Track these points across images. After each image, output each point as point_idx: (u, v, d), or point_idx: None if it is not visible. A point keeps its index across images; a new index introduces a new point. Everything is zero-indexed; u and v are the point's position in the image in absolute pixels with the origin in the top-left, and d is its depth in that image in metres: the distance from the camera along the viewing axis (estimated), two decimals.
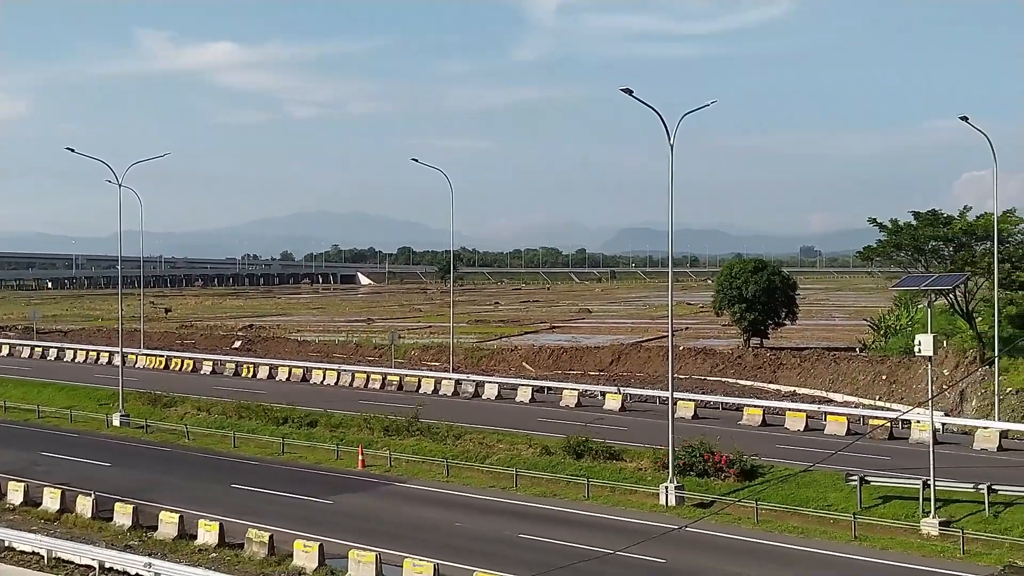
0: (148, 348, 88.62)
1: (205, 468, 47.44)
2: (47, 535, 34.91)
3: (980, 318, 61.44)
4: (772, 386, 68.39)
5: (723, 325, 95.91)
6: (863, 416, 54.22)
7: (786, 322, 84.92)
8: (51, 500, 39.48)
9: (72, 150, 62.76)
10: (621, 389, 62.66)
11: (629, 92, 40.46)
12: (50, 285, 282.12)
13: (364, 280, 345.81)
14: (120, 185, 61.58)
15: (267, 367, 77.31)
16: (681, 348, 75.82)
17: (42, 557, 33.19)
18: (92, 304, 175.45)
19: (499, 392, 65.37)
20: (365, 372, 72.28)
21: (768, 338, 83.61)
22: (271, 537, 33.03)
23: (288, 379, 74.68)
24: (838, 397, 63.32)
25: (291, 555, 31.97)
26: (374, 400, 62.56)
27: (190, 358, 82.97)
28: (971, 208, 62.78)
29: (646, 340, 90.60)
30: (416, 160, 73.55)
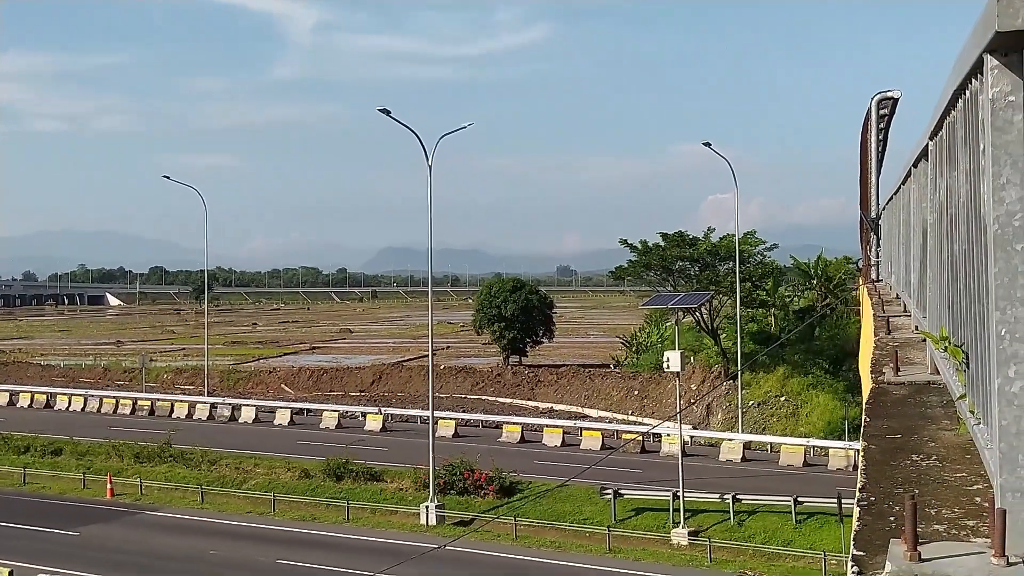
0: None
1: None
2: None
3: (724, 334, 64.43)
4: (531, 403, 69.64)
5: (483, 344, 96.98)
6: (617, 431, 55.85)
7: (544, 340, 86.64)
8: None
9: None
10: (382, 409, 62.47)
11: (387, 112, 40.52)
12: None
13: (113, 301, 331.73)
14: None
15: (7, 393, 73.06)
16: (442, 367, 76.22)
17: None
18: None
19: (257, 415, 63.95)
20: (114, 397, 69.35)
21: (527, 356, 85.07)
22: (11, 573, 31.14)
23: (31, 405, 70.81)
24: (593, 413, 65.03)
25: None
26: (124, 426, 60.08)
27: None
28: (715, 229, 65.87)
29: (407, 359, 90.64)
30: (168, 177, 71.35)
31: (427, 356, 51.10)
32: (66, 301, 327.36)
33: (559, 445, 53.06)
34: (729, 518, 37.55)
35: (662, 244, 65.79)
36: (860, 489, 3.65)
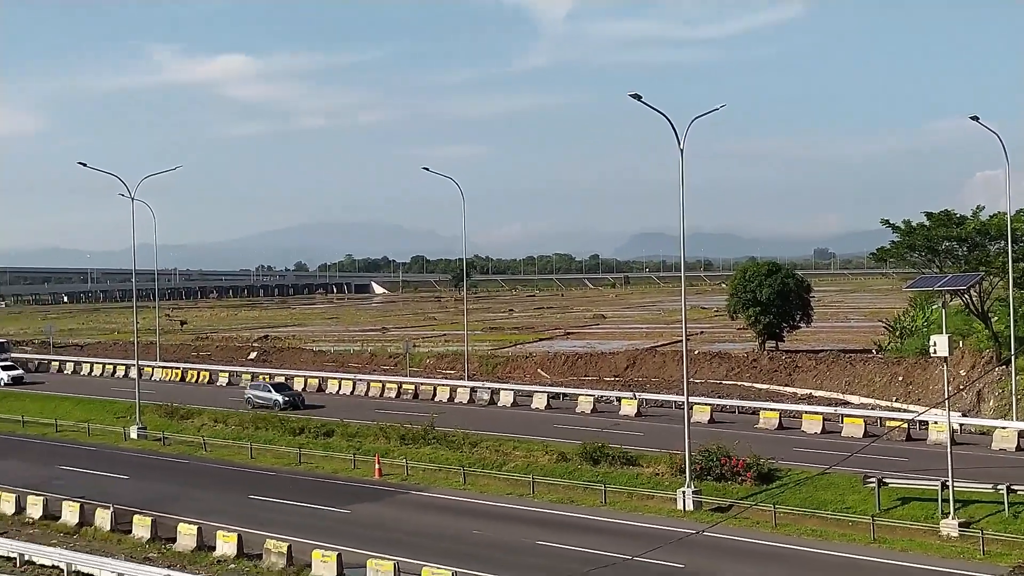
0: (164, 360, 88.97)
1: (222, 479, 47.57)
2: (67, 548, 35.05)
3: (996, 318, 61.18)
4: (788, 389, 68.16)
5: (738, 329, 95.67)
6: (880, 418, 54.11)
7: (801, 325, 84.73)
8: (70, 514, 39.63)
9: (84, 164, 62.95)
10: (636, 394, 62.64)
11: (638, 97, 40.45)
12: (66, 299, 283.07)
13: (378, 289, 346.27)
14: (133, 199, 61.77)
15: (282, 377, 77.48)
16: (696, 352, 75.66)
17: (62, 571, 33.31)
18: (108, 317, 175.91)
19: (514, 399, 65.40)
20: (380, 381, 72.46)
21: (783, 341, 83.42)
22: (289, 548, 33.07)
23: (304, 389, 74.81)
24: (855, 399, 63.07)
25: (309, 565, 31.99)
26: (390, 409, 62.67)
27: (206, 370, 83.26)
28: (984, 208, 62.64)
29: (661, 345, 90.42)
30: (427, 168, 73.68)
31: (680, 341, 50.81)
32: (334, 290, 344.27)
33: (819, 432, 51.79)
34: (1003, 510, 35.69)
35: (927, 224, 63.10)
36: None
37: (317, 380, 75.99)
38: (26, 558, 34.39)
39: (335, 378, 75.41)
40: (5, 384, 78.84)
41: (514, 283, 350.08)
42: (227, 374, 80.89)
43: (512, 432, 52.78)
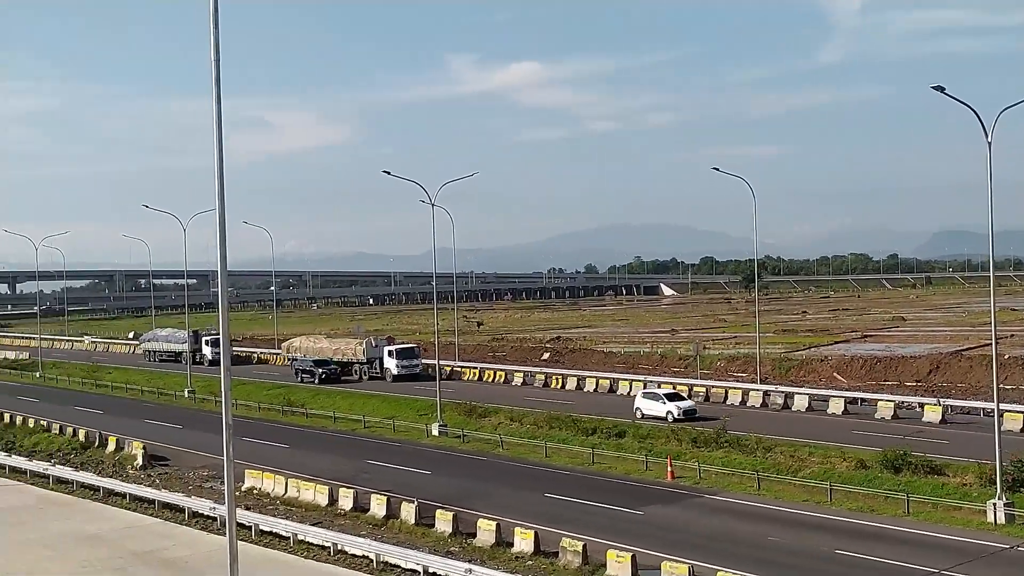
0: (462, 360, 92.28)
1: (518, 477, 48.81)
2: (375, 540, 36.87)
3: None
4: None
5: None
6: None
7: None
8: (377, 507, 41.73)
9: (388, 173, 66.21)
10: (941, 401, 59.80)
11: (941, 89, 38.62)
12: (371, 301, 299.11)
13: (667, 291, 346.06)
14: (433, 205, 64.42)
15: (575, 378, 78.70)
16: (1006, 357, 71.30)
17: (371, 560, 35.07)
18: (410, 319, 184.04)
19: (809, 403, 63.83)
20: (671, 383, 72.31)
21: None
22: (584, 546, 33.55)
23: (595, 390, 75.80)
24: None
25: (604, 565, 32.35)
26: None
27: (502, 370, 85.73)
28: None
29: (967, 349, 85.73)
30: (717, 169, 73.06)
31: (989, 345, 48.11)
32: (623, 291, 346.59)
33: None
34: None
35: None
36: None
37: (608, 381, 76.71)
38: (339, 547, 36.42)
39: (625, 379, 75.90)
40: None
41: (807, 284, 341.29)
42: (522, 374, 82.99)
43: (807, 437, 51.55)
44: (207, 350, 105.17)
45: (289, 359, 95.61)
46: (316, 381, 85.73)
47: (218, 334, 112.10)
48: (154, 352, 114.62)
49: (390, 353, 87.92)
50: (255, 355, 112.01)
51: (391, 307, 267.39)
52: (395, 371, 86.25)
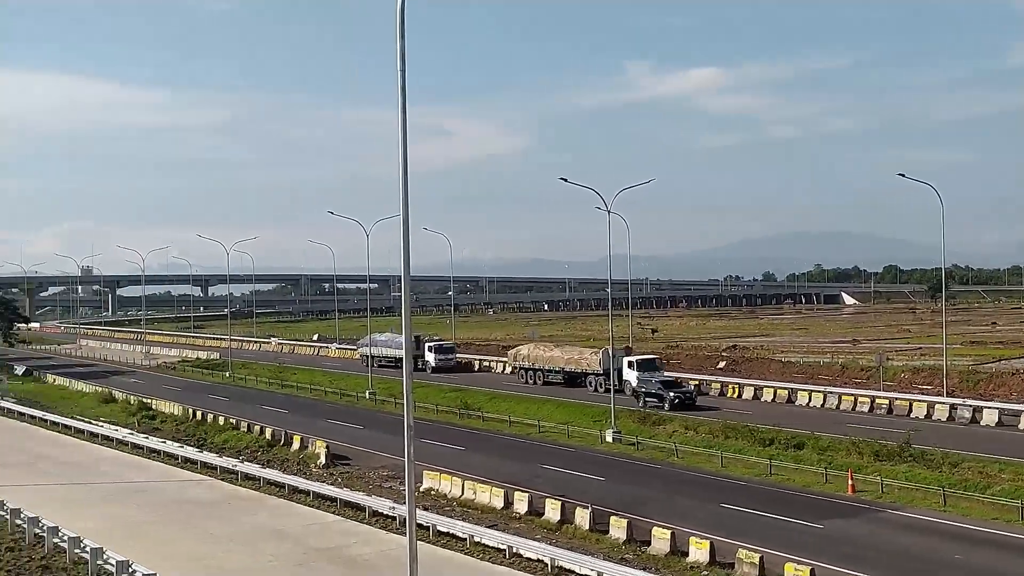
0: None
1: (692, 486, 48.38)
2: (550, 544, 37.12)
3: None
4: None
5: None
6: None
7: None
8: (552, 511, 41.98)
9: (565, 180, 66.49)
10: None
11: None
12: (545, 307, 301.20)
13: (848, 300, 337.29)
14: (609, 211, 64.47)
15: (751, 387, 77.46)
16: None
17: (545, 565, 35.32)
18: (584, 325, 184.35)
19: (999, 418, 61.28)
20: (852, 394, 70.53)
21: None
22: (761, 558, 33.02)
23: (772, 400, 74.44)
24: None
25: None
26: (861, 424, 60.94)
27: (677, 379, 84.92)
28: None
29: None
30: (902, 175, 70.94)
31: None
32: (803, 300, 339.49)
33: None
34: None
35: None
36: None
37: (786, 391, 75.29)
38: (514, 550, 36.80)
39: (804, 390, 74.35)
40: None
41: (997, 294, 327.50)
42: (697, 382, 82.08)
43: (996, 453, 49.55)
44: (430, 356, 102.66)
45: (593, 374, 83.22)
46: (667, 407, 69.89)
47: (441, 340, 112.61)
48: (373, 357, 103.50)
49: (630, 364, 76.89)
50: (477, 362, 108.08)
51: (565, 313, 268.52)
52: (634, 383, 75.00)
